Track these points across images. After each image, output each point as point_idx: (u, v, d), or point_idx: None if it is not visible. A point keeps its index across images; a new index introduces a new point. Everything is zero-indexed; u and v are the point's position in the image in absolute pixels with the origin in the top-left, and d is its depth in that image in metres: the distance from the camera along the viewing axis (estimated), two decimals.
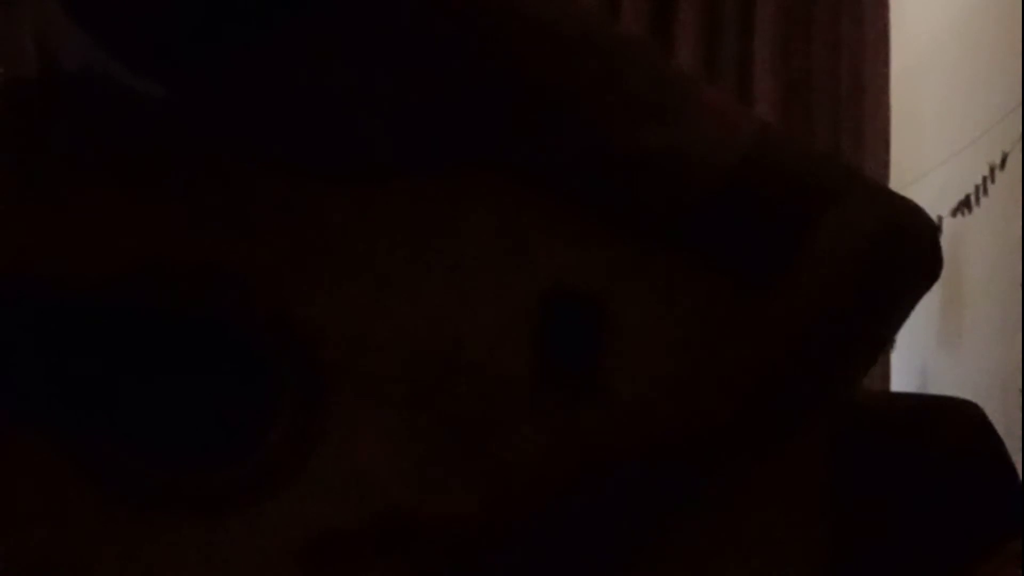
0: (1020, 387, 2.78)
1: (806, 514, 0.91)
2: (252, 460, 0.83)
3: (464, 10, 0.90)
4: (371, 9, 0.89)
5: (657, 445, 0.86)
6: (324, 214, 0.87)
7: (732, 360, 0.89)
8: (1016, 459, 0.98)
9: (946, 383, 3.31)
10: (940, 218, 3.06)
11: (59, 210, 0.86)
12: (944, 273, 0.95)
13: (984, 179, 3.09)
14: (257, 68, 0.89)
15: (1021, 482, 0.97)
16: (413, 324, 0.87)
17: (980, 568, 0.93)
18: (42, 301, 0.83)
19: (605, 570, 0.86)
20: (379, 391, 0.85)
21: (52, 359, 0.83)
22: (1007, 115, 3.01)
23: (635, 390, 0.88)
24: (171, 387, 0.87)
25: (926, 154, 3.49)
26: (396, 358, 0.86)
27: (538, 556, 0.84)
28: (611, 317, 0.90)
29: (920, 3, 3.57)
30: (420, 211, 0.88)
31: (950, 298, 3.26)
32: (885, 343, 0.98)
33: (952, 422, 0.97)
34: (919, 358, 3.42)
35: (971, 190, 3.14)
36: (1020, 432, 2.53)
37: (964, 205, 3.17)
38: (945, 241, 2.00)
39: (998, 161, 3.02)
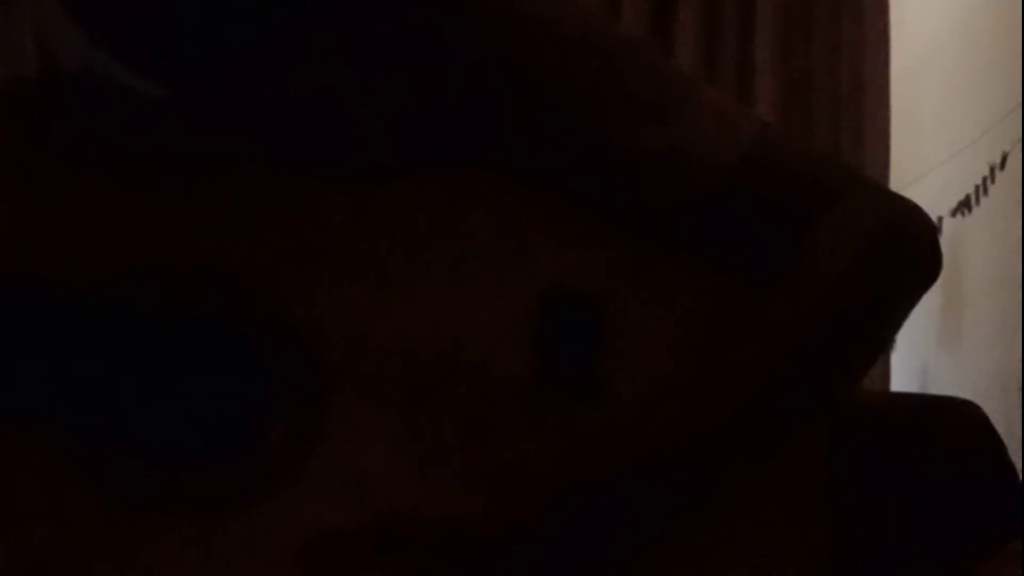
0: (1020, 387, 2.78)
1: (806, 514, 0.91)
2: (252, 460, 0.83)
3: (464, 10, 0.91)
4: (371, 9, 0.90)
5: (657, 445, 0.86)
6: (324, 214, 0.87)
7: (732, 360, 0.89)
8: (1016, 459, 0.98)
9: (946, 383, 3.31)
10: (940, 218, 3.06)
11: (59, 210, 0.86)
12: (944, 273, 0.95)
13: (984, 179, 3.09)
14: (257, 68, 0.89)
15: (1021, 482, 0.97)
16: (413, 324, 0.87)
17: (980, 568, 0.93)
18: (42, 301, 0.83)
19: (605, 570, 0.86)
20: (379, 391, 0.85)
21: (52, 359, 0.83)
22: (1007, 115, 3.01)
23: (635, 390, 0.88)
24: (171, 387, 0.87)
25: (926, 154, 3.49)
26: (396, 358, 0.86)
27: (538, 556, 0.84)
28: (611, 317, 0.90)
29: (920, 3, 3.57)
30: (420, 211, 0.88)
31: (950, 298, 3.26)
32: (885, 343, 0.98)
33: (952, 422, 0.97)
34: (919, 358, 3.42)
35: (971, 190, 3.14)
36: (1020, 432, 2.53)
37: (964, 205, 3.17)
38: (945, 241, 2.00)
39: (998, 161, 3.02)
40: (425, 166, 0.89)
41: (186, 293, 0.85)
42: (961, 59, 3.41)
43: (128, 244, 0.85)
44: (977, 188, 3.12)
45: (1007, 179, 3.00)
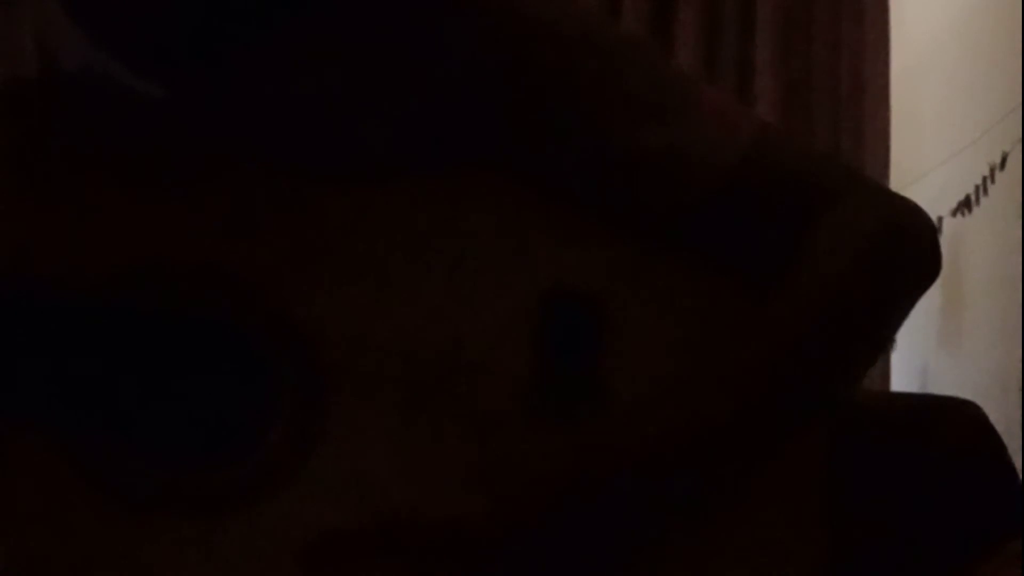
0: (1020, 387, 2.78)
1: (806, 514, 0.91)
2: (252, 460, 0.83)
3: (464, 10, 0.90)
4: (371, 9, 0.89)
5: (657, 445, 0.86)
6: (324, 214, 0.87)
7: (732, 360, 0.89)
8: (1016, 459, 0.98)
9: (946, 383, 3.31)
10: (940, 218, 3.06)
11: (59, 210, 0.86)
12: (944, 273, 0.95)
13: (984, 179, 3.09)
14: (257, 68, 0.89)
15: (1021, 482, 0.97)
16: (413, 324, 0.87)
17: (980, 568, 0.93)
18: (42, 301, 0.83)
19: (605, 570, 0.86)
20: (379, 391, 0.85)
21: (52, 359, 0.83)
22: (1007, 115, 3.01)
23: (635, 390, 0.88)
24: (171, 387, 0.87)
25: (926, 154, 3.49)
26: (396, 358, 0.86)
27: (538, 556, 0.84)
28: (611, 317, 0.90)
29: (920, 3, 3.57)
30: (420, 211, 0.88)
31: (950, 298, 3.26)
32: (885, 343, 0.98)
33: (952, 422, 0.97)
34: (920, 358, 3.42)
35: (971, 190, 3.14)
36: (1020, 432, 2.53)
37: (964, 205, 3.17)
38: (945, 241, 2.00)
39: (998, 161, 3.02)
40: (425, 166, 0.89)
41: (186, 293, 0.85)
42: (961, 59, 3.41)
43: (128, 244, 0.85)
44: (977, 188, 3.12)
45: (1007, 179, 3.00)
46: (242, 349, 0.85)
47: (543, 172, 0.91)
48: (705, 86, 0.97)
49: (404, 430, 0.85)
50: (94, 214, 0.85)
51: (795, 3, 3.07)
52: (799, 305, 0.90)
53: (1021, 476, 0.98)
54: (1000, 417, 1.07)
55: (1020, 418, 2.66)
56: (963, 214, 3.18)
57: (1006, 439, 0.98)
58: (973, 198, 3.14)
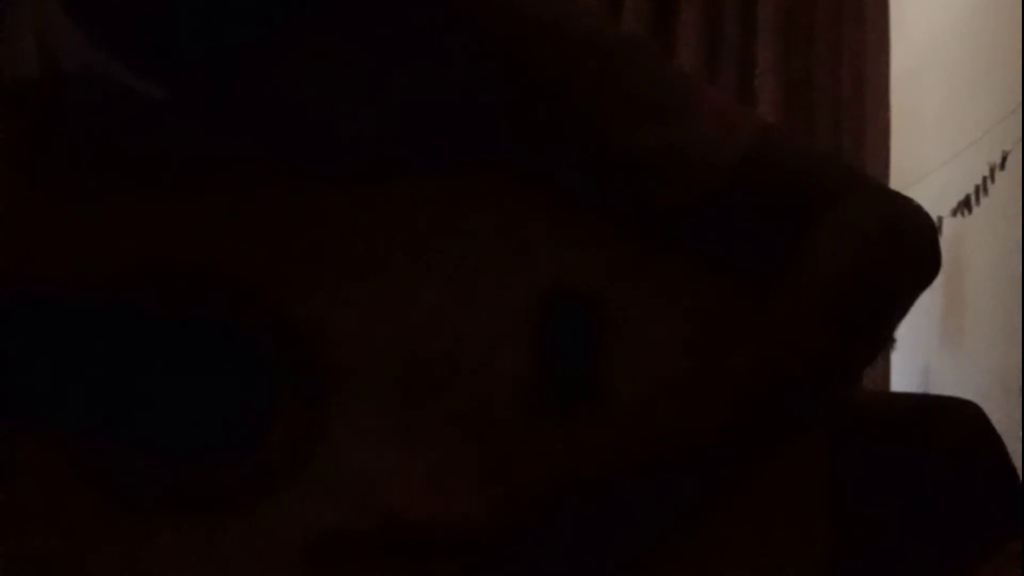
0: (1021, 387, 2.78)
1: (806, 514, 0.91)
2: (252, 460, 0.83)
3: (464, 10, 0.91)
4: (371, 9, 0.89)
5: (657, 445, 0.86)
6: (324, 214, 0.87)
7: (732, 360, 0.89)
8: (1016, 459, 0.98)
9: (947, 383, 3.31)
10: (940, 218, 3.07)
11: (59, 210, 0.86)
12: (944, 273, 0.95)
13: (984, 179, 3.10)
14: (257, 68, 0.89)
15: (1021, 482, 0.97)
16: (413, 324, 0.87)
17: (980, 568, 0.93)
18: (42, 301, 0.83)
19: (605, 571, 0.86)
20: (379, 391, 0.85)
21: (52, 359, 0.83)
22: (1007, 115, 3.01)
23: (635, 390, 0.88)
24: (171, 387, 0.87)
25: (927, 154, 3.49)
26: (396, 358, 0.86)
27: (538, 556, 0.84)
28: (611, 317, 0.90)
29: (920, 4, 3.57)
30: (420, 211, 0.88)
31: (951, 298, 3.26)
32: (884, 342, 0.98)
33: (952, 422, 0.97)
34: (921, 358, 3.42)
35: (971, 190, 3.14)
36: (1020, 432, 2.53)
37: (964, 205, 3.17)
38: (945, 241, 2.00)
39: (998, 161, 3.03)
40: (425, 166, 0.89)
41: (186, 293, 0.85)
42: (961, 59, 3.42)
43: (128, 244, 0.85)
44: (977, 188, 3.12)
45: (1007, 179, 3.01)
46: (242, 349, 0.85)
47: (543, 172, 0.91)
48: (706, 86, 0.97)
49: (404, 430, 0.85)
50: (94, 214, 0.85)
51: (796, 4, 3.07)
52: (799, 305, 0.90)
53: (1021, 476, 0.98)
54: (1001, 417, 1.07)
55: (1021, 418, 2.66)
56: (963, 214, 3.18)
57: (1006, 439, 0.98)
58: (973, 198, 3.14)
